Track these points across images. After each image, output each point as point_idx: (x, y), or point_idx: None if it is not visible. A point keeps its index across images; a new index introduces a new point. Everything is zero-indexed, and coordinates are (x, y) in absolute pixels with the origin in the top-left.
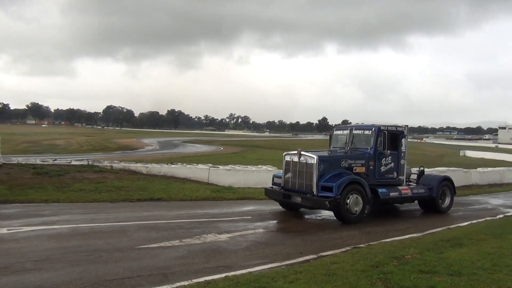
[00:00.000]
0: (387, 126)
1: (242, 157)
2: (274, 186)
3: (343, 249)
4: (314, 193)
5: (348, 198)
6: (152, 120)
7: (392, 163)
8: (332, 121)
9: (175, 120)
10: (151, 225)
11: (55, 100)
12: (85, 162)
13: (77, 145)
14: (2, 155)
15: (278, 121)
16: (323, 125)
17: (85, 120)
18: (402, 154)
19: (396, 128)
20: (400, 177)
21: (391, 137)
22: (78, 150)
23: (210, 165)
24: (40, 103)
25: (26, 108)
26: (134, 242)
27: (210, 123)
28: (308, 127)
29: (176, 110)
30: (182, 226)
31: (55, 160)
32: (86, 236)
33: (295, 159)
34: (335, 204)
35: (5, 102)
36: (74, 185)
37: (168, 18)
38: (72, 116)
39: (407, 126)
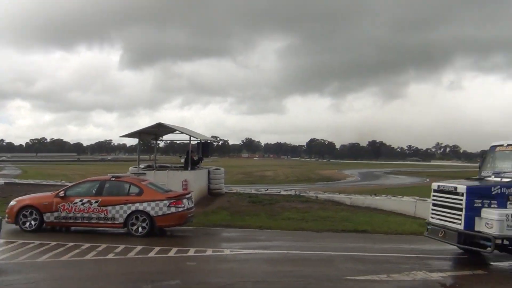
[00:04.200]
0: None
1: None
2: None
3: None
4: None
5: None
6: (352, 152)
7: None
8: None
9: (376, 151)
10: (357, 257)
11: (266, 135)
12: (292, 193)
13: (283, 176)
14: (225, 185)
15: None
16: None
17: (290, 152)
18: None
19: None
20: None
21: None
22: (284, 181)
23: (416, 197)
24: (253, 138)
25: (242, 143)
26: (341, 272)
27: (414, 153)
28: None
29: (378, 141)
30: (388, 260)
31: (267, 190)
32: (296, 263)
33: None
34: None
35: (225, 139)
36: (283, 214)
37: (375, 51)
38: (279, 149)
39: None
